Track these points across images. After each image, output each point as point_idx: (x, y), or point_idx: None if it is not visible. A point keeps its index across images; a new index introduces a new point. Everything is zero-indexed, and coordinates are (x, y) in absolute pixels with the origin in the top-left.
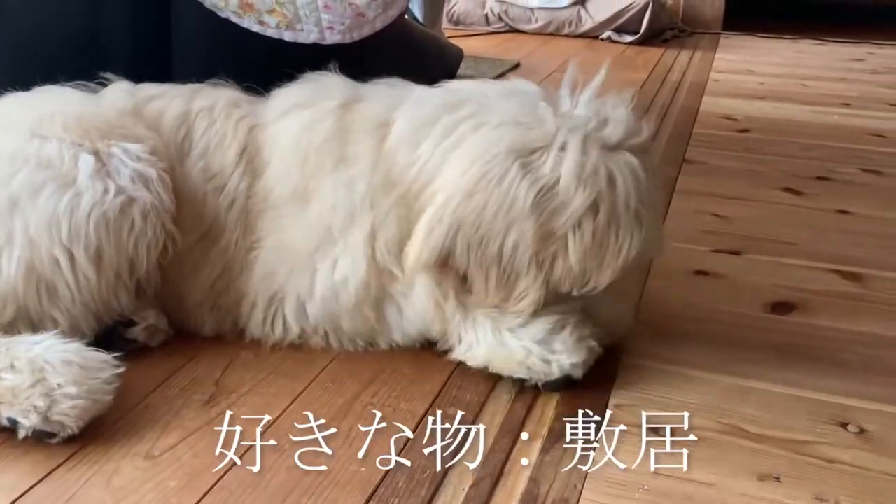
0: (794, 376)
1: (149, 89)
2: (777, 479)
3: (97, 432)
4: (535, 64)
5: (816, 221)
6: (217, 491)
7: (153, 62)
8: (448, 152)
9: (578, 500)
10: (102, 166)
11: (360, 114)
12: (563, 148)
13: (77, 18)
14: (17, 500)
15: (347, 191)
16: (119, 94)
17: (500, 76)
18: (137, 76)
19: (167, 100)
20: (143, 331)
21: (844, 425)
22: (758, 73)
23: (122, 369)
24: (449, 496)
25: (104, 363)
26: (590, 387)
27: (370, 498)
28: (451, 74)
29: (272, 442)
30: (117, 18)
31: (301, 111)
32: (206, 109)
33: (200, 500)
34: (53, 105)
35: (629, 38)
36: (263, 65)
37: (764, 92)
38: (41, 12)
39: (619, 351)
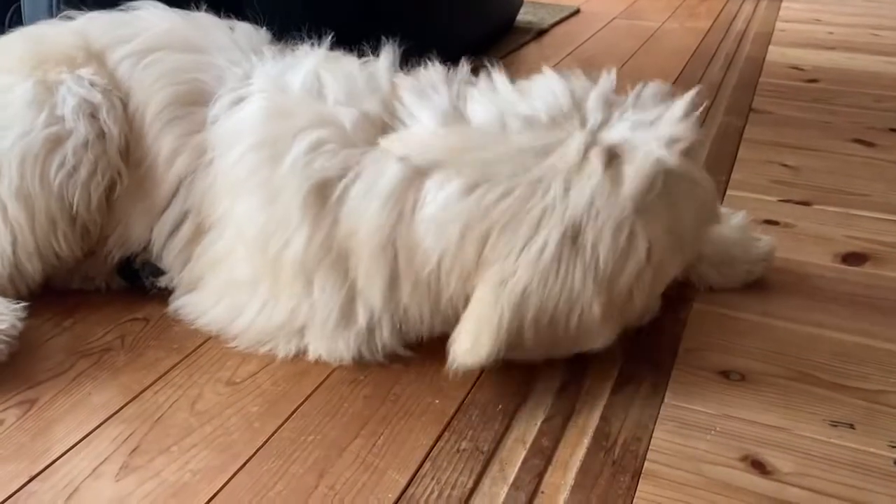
0: (866, 326)
1: (101, 35)
2: (851, 426)
3: (180, 359)
4: (595, 10)
5: (889, 174)
6: (297, 417)
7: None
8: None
9: (650, 440)
10: (46, 96)
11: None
12: (598, 225)
13: None
14: (109, 417)
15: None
16: (73, 34)
17: (560, 22)
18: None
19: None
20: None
21: None
22: (826, 23)
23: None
24: (521, 430)
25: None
26: (661, 330)
27: (445, 428)
28: (511, 19)
29: (348, 372)
30: None
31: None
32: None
33: (282, 426)
34: (12, 44)
35: None
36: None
37: (833, 42)
38: None
39: (689, 297)
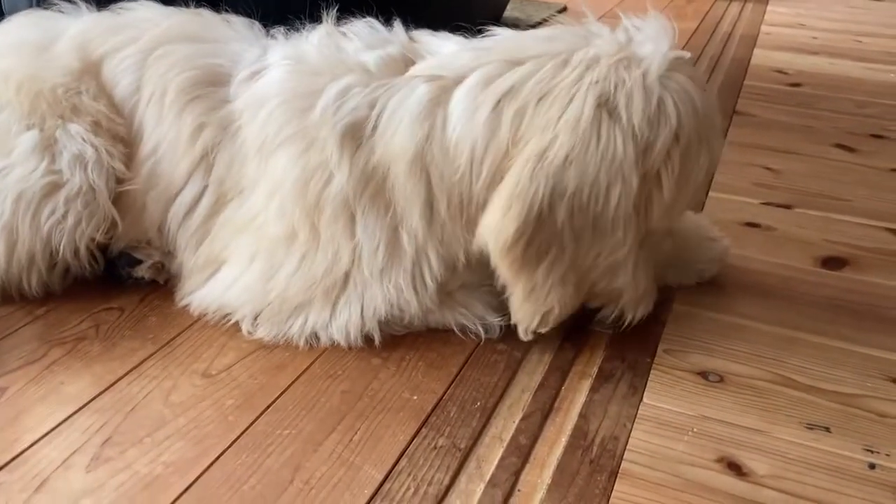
0: (844, 331)
1: (103, 42)
2: (827, 429)
3: (155, 350)
4: (582, 8)
5: (870, 179)
6: (273, 411)
7: None
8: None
9: (628, 439)
10: (48, 144)
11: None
12: (629, 90)
13: None
14: (82, 407)
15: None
16: (71, 50)
17: (547, 19)
18: None
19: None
20: (149, 268)
21: (895, 381)
22: (811, 28)
23: None
24: (499, 427)
25: None
26: (640, 330)
27: (423, 425)
28: (498, 15)
29: (326, 366)
30: None
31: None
32: (157, 96)
33: (257, 419)
34: (9, 61)
35: None
36: None
37: (817, 47)
38: None
39: (670, 297)
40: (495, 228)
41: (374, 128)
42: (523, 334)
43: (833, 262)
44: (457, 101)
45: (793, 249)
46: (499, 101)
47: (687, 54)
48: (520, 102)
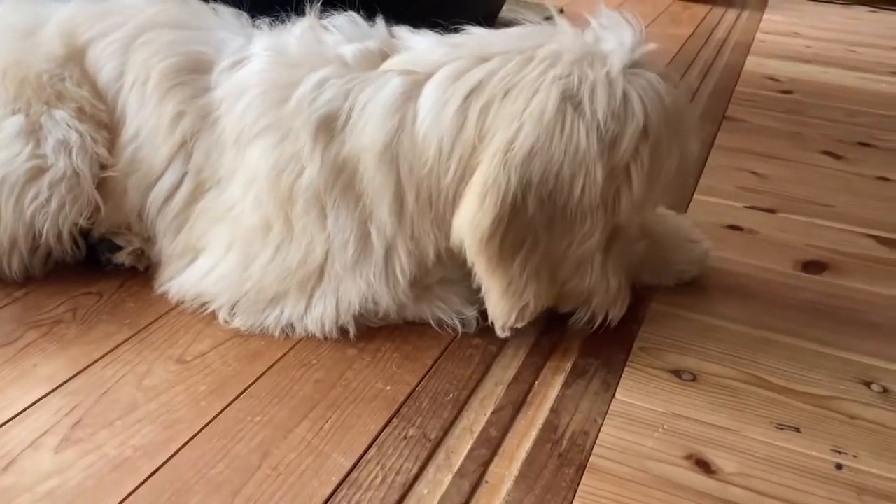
0: (820, 334)
1: (88, 28)
2: (797, 429)
3: (131, 335)
4: (579, 12)
5: (855, 186)
6: (245, 398)
7: None
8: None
9: (598, 435)
10: (33, 129)
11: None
12: (592, 85)
13: None
14: (54, 389)
15: None
16: (57, 36)
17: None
18: None
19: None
20: (130, 255)
21: (868, 384)
22: (805, 37)
23: None
24: (471, 419)
25: None
26: (616, 328)
27: (394, 415)
28: (493, 16)
29: (301, 356)
30: None
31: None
32: (140, 81)
33: (229, 406)
34: (3, 31)
35: None
36: None
37: (810, 55)
38: None
39: (648, 297)
40: (471, 223)
41: (347, 120)
42: (500, 331)
43: (813, 266)
44: (426, 96)
45: (774, 253)
46: (466, 97)
47: (651, 47)
48: (486, 98)
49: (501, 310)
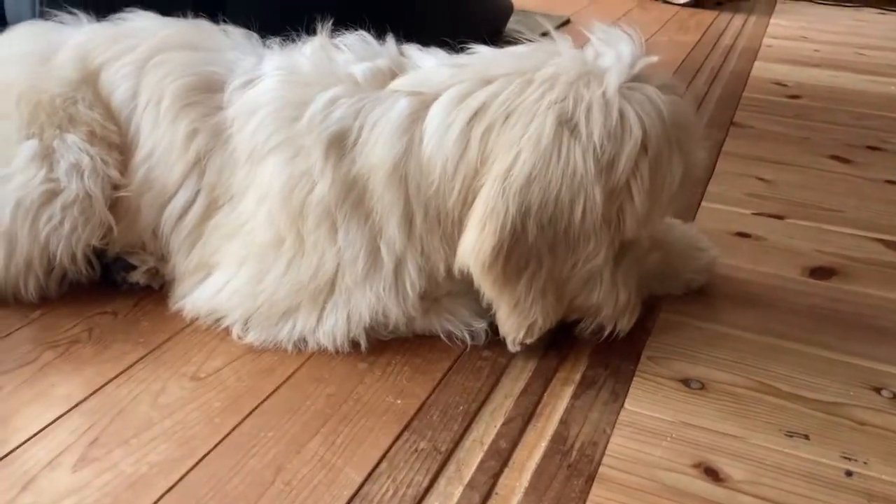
0: (829, 339)
1: (102, 52)
2: (806, 436)
3: (146, 353)
4: (585, 21)
5: (863, 190)
6: (258, 414)
7: (211, 6)
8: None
9: (607, 445)
10: (47, 153)
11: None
12: (588, 106)
13: None
14: (71, 409)
15: None
16: (70, 60)
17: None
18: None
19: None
20: (144, 273)
21: (878, 390)
22: (813, 41)
23: None
24: (481, 432)
25: None
26: (625, 338)
27: (405, 428)
28: (500, 27)
29: (313, 370)
30: None
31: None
32: (153, 102)
33: (242, 421)
34: (11, 71)
35: (683, 0)
36: (315, 6)
37: (818, 59)
38: None
39: (657, 306)
40: (473, 249)
41: (358, 138)
42: (511, 345)
43: (821, 272)
44: (432, 118)
45: (782, 259)
46: (469, 120)
47: (652, 59)
48: (488, 122)
49: (511, 326)
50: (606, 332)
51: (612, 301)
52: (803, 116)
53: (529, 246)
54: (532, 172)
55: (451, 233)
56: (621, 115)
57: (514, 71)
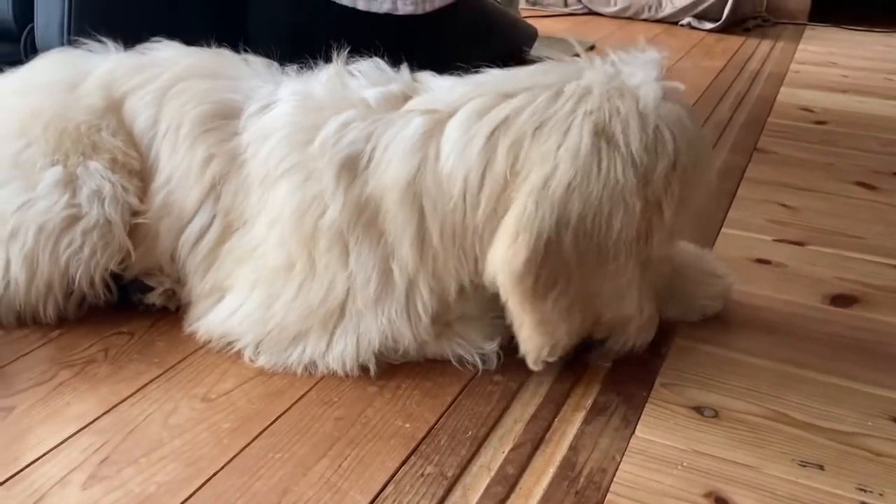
0: (848, 368)
1: (127, 80)
2: (820, 467)
3: (159, 374)
4: (610, 47)
5: (888, 217)
6: (267, 436)
7: (233, 36)
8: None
9: (616, 472)
10: (70, 179)
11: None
12: (625, 118)
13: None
14: (84, 427)
15: None
16: (97, 89)
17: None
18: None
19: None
20: (161, 295)
21: None
22: (842, 66)
23: None
24: (489, 457)
25: None
26: (638, 364)
27: (412, 452)
28: (524, 53)
29: (322, 393)
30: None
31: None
32: (172, 128)
33: (250, 443)
34: (39, 98)
35: (709, 26)
36: (336, 34)
37: (846, 85)
38: None
39: (672, 332)
40: (505, 260)
41: (370, 160)
42: (532, 364)
43: (842, 300)
44: (449, 133)
45: (802, 286)
46: (492, 133)
47: (679, 85)
48: (515, 134)
49: (533, 344)
50: (629, 348)
51: (639, 315)
52: (829, 142)
53: (562, 258)
54: (572, 183)
55: (470, 250)
56: (657, 130)
57: (537, 85)
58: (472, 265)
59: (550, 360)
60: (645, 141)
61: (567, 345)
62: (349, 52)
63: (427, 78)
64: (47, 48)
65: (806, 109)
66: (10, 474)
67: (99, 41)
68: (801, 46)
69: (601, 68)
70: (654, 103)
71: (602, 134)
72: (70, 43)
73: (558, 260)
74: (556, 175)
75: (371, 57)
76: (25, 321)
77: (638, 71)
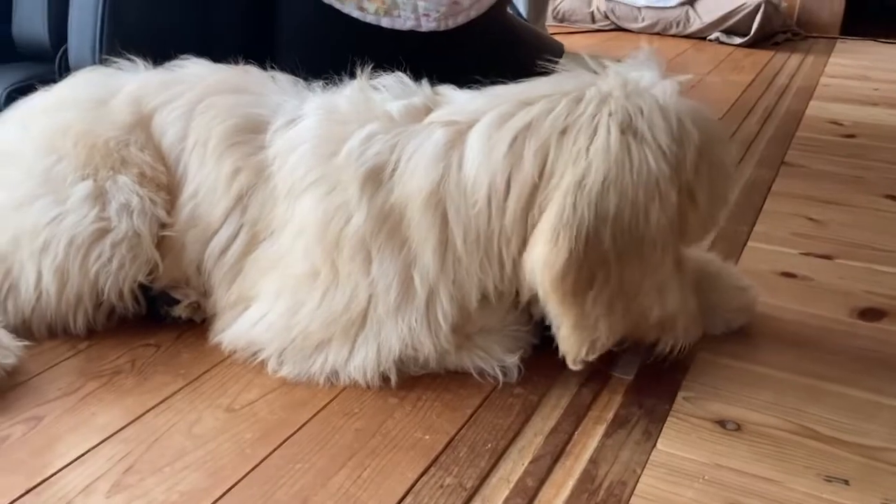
0: (875, 382)
1: (155, 97)
2: (846, 482)
3: (184, 384)
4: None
5: None
6: (288, 446)
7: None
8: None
9: (636, 485)
10: (99, 194)
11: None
12: (648, 114)
13: (190, 16)
14: (109, 437)
15: None
16: (126, 105)
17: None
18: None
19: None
20: (187, 307)
21: None
22: (873, 80)
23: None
24: (508, 469)
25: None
26: (661, 377)
27: (432, 464)
28: (548, 72)
29: (344, 404)
30: (228, 17)
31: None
32: (200, 142)
33: (272, 453)
34: (71, 114)
35: (738, 40)
36: (361, 49)
37: (877, 98)
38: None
39: (695, 345)
40: (545, 261)
41: (394, 171)
42: (571, 363)
43: (870, 314)
44: (472, 142)
45: (829, 300)
46: (515, 139)
47: (681, 77)
48: (541, 138)
49: (572, 344)
50: (677, 349)
51: (685, 309)
52: (858, 156)
53: (601, 255)
54: (607, 178)
55: (496, 253)
56: (679, 120)
57: (556, 92)
58: (498, 270)
59: (590, 358)
60: (671, 132)
61: (606, 343)
62: (373, 66)
63: (448, 91)
64: (80, 67)
65: (835, 123)
66: (38, 481)
67: (129, 60)
68: (832, 60)
69: (615, 73)
70: (672, 98)
71: (629, 130)
72: (102, 62)
73: (598, 256)
74: (591, 173)
75: (394, 71)
76: (56, 332)
77: (645, 72)
